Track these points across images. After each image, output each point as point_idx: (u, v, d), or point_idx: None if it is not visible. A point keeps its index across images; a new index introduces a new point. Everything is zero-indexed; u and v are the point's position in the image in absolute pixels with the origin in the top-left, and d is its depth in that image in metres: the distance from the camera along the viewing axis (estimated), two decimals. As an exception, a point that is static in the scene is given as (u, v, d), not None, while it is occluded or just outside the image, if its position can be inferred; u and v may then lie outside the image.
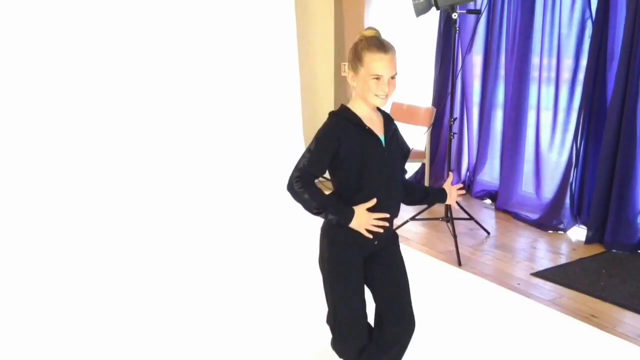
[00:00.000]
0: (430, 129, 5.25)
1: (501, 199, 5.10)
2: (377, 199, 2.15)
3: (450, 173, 2.56)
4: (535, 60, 4.83)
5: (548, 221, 4.69)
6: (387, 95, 2.16)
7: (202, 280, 3.60)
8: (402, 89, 5.87)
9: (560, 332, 3.10)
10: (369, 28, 2.22)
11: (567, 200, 4.58)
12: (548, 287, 3.64)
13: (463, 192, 2.50)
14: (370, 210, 2.15)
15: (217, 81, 5.09)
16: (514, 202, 5.07)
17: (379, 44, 2.13)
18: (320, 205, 2.12)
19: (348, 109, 2.20)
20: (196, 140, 5.05)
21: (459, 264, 3.97)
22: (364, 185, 2.16)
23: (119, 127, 4.82)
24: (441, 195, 2.44)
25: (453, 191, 2.44)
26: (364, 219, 2.15)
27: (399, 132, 2.34)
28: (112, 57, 4.71)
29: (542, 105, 4.81)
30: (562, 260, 4.08)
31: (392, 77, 2.15)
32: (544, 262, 4.05)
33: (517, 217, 4.97)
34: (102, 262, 3.84)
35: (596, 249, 4.24)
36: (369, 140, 2.17)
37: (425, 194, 2.44)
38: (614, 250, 4.18)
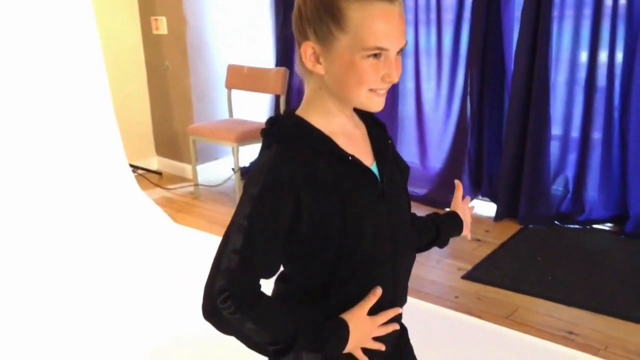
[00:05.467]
0: (284, 96, 4.14)
1: (379, 174, 4.22)
2: (379, 284, 1.10)
3: (458, 183, 1.47)
4: (407, 1, 3.91)
5: (442, 196, 3.87)
6: (386, 89, 1.08)
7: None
8: (239, 47, 4.64)
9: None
10: None
11: (465, 169, 3.82)
12: (493, 296, 2.83)
13: (473, 208, 1.51)
14: (371, 310, 1.09)
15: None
16: (393, 175, 4.22)
17: None
18: (281, 336, 1.03)
19: (307, 124, 1.08)
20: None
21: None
22: (352, 268, 1.09)
23: None
24: (456, 225, 1.41)
25: (467, 213, 1.45)
26: (364, 333, 1.10)
27: (393, 147, 1.24)
28: None
29: (421, 51, 3.93)
30: (483, 248, 3.31)
31: (399, 53, 1.08)
32: (464, 254, 3.25)
33: (400, 193, 4.13)
34: None
35: (511, 227, 3.54)
36: (355, 179, 1.08)
37: (436, 231, 1.37)
38: (530, 226, 3.52)
